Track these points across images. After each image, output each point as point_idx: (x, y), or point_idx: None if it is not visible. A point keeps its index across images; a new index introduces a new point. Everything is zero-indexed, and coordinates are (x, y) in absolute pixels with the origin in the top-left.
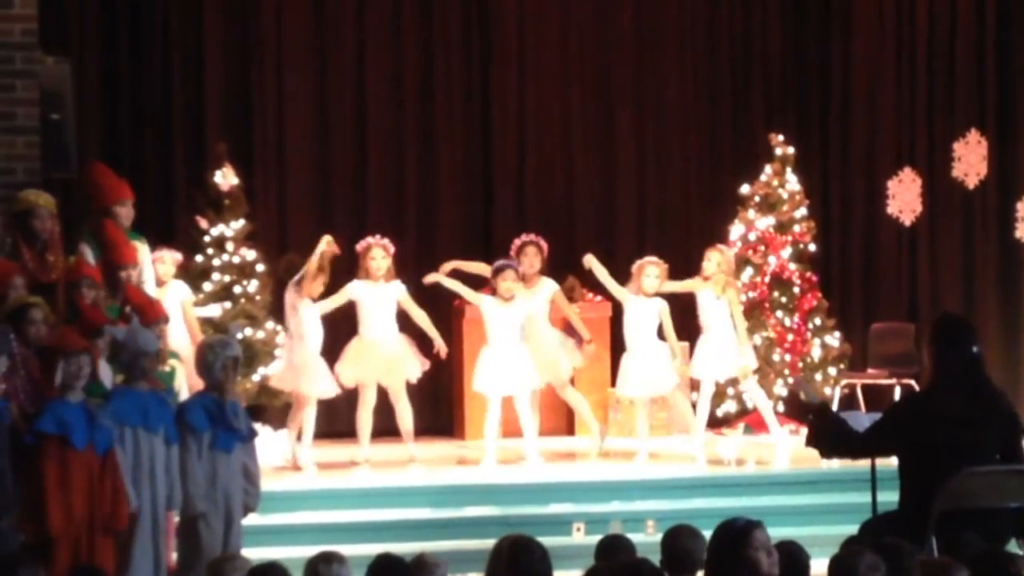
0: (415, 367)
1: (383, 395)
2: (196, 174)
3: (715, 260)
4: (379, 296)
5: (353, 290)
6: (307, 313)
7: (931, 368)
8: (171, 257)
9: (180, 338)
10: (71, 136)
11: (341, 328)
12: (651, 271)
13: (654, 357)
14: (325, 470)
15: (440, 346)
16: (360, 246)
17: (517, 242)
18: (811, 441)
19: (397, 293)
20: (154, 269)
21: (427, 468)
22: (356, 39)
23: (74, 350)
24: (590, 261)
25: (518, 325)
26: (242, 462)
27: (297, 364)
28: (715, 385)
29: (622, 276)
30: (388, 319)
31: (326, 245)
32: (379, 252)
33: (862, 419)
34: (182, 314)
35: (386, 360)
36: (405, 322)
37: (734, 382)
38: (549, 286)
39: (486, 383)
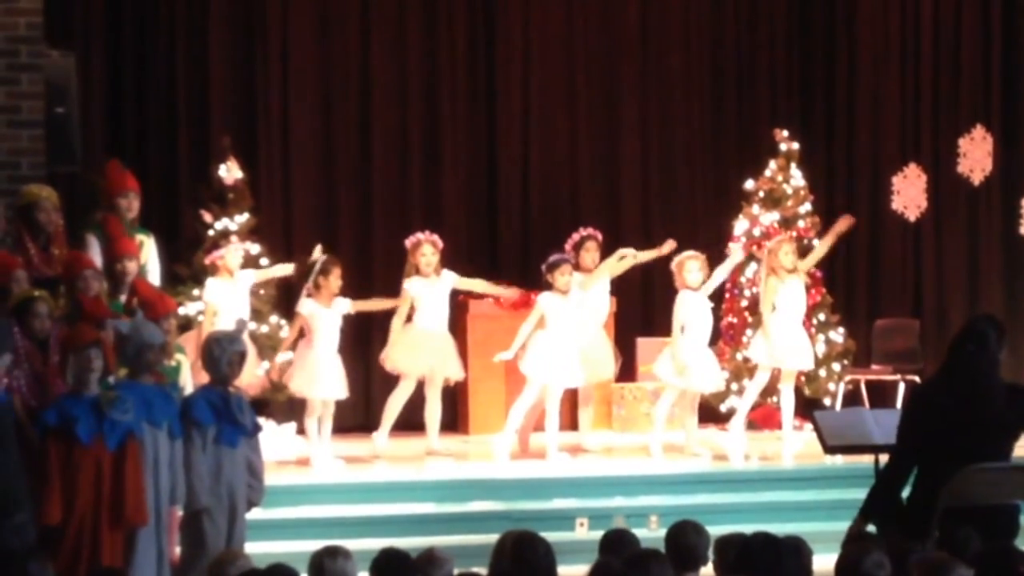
0: (458, 367)
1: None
2: (200, 168)
3: (791, 252)
4: (434, 291)
5: (411, 289)
6: (318, 316)
7: (953, 365)
8: (239, 249)
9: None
10: (76, 130)
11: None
12: (692, 265)
13: (708, 352)
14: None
15: (504, 294)
16: (409, 242)
17: (576, 236)
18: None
19: (450, 283)
20: (224, 264)
21: (442, 462)
22: (361, 32)
23: (83, 343)
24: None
25: (574, 318)
26: (246, 456)
27: (305, 366)
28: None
29: (628, 273)
30: (442, 311)
31: (318, 254)
32: (429, 248)
33: (890, 416)
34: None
35: (436, 352)
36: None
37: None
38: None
39: (534, 367)
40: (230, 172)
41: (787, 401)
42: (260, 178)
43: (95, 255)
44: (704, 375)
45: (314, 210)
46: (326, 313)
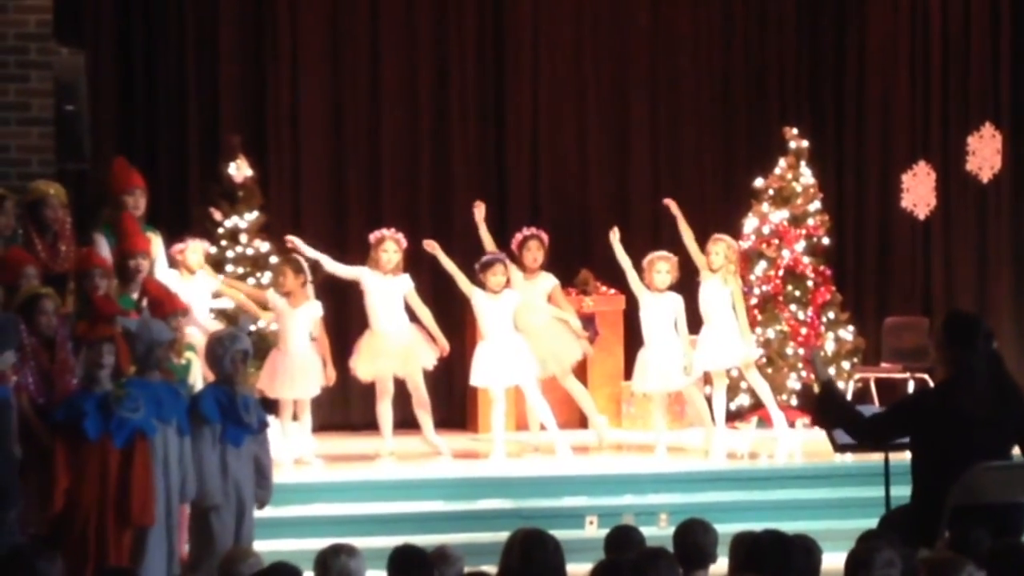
0: (429, 355)
1: (400, 385)
2: (210, 166)
3: (722, 252)
4: (387, 288)
5: (361, 274)
6: (283, 315)
7: (949, 367)
8: (200, 246)
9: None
10: (85, 127)
11: (353, 322)
12: (661, 266)
13: (669, 352)
14: (343, 462)
15: (442, 346)
16: (373, 236)
17: (519, 236)
18: (817, 418)
19: (404, 288)
20: (183, 258)
21: (444, 460)
22: (371, 31)
23: (96, 339)
24: (615, 240)
25: (509, 317)
26: (254, 454)
27: (273, 367)
28: (726, 376)
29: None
30: (397, 311)
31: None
32: (391, 245)
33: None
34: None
35: (399, 350)
36: (415, 314)
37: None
38: (548, 280)
39: (485, 376)
40: (240, 170)
41: (718, 401)
42: (270, 176)
43: (105, 254)
44: (669, 374)
45: (324, 208)
46: (290, 313)
